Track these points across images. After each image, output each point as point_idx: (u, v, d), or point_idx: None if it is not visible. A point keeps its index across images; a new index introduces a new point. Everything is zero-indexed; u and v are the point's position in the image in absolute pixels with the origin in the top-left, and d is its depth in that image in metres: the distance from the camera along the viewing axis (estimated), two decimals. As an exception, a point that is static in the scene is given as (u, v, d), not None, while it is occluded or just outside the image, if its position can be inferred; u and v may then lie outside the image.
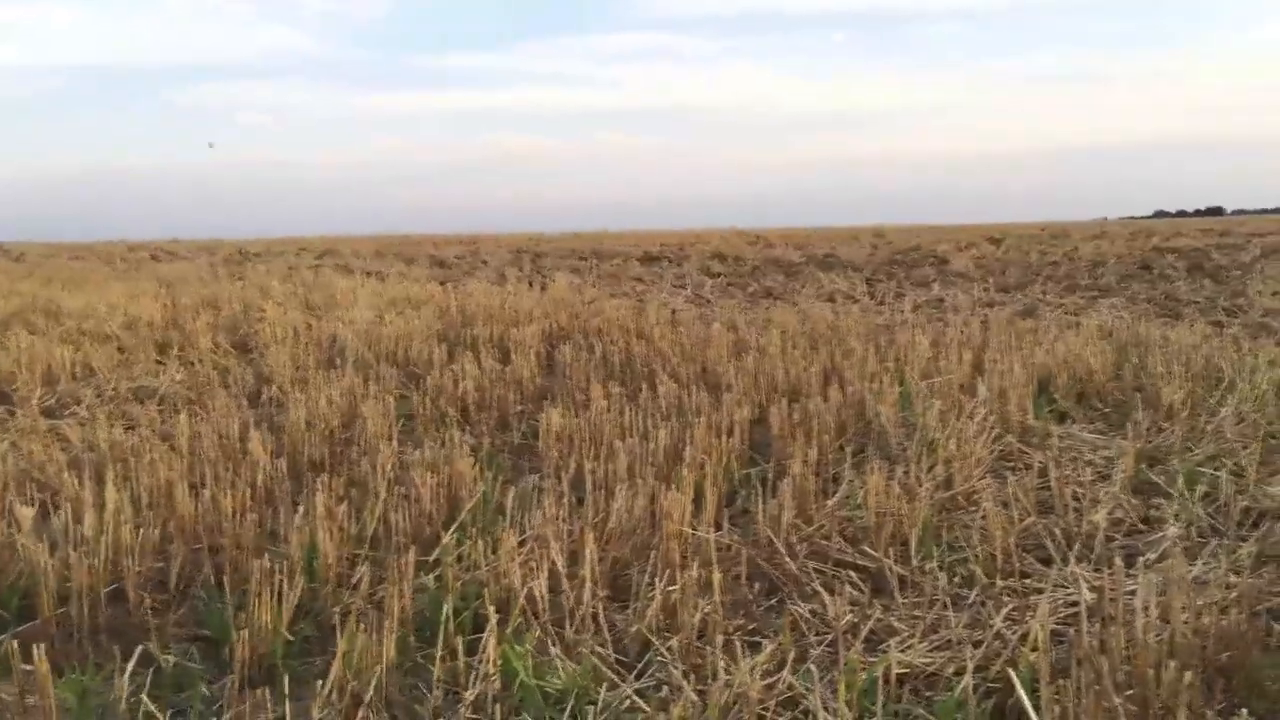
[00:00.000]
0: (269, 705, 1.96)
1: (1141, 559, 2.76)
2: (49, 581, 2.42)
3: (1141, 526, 3.08)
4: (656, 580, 2.49)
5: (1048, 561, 2.80)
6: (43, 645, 2.09)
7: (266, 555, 2.58)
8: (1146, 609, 2.15)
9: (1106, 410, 4.54)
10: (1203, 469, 3.46)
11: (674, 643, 2.29)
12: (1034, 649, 2.12)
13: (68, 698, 2.07)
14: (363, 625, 2.20)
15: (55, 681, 2.06)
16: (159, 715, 1.97)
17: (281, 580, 2.39)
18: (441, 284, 11.05)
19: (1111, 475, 3.43)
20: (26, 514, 2.73)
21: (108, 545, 2.61)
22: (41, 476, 3.41)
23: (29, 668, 2.09)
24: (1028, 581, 2.66)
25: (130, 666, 2.10)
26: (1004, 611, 2.40)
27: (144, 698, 2.01)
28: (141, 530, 2.73)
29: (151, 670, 2.22)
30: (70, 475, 3.18)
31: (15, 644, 2.18)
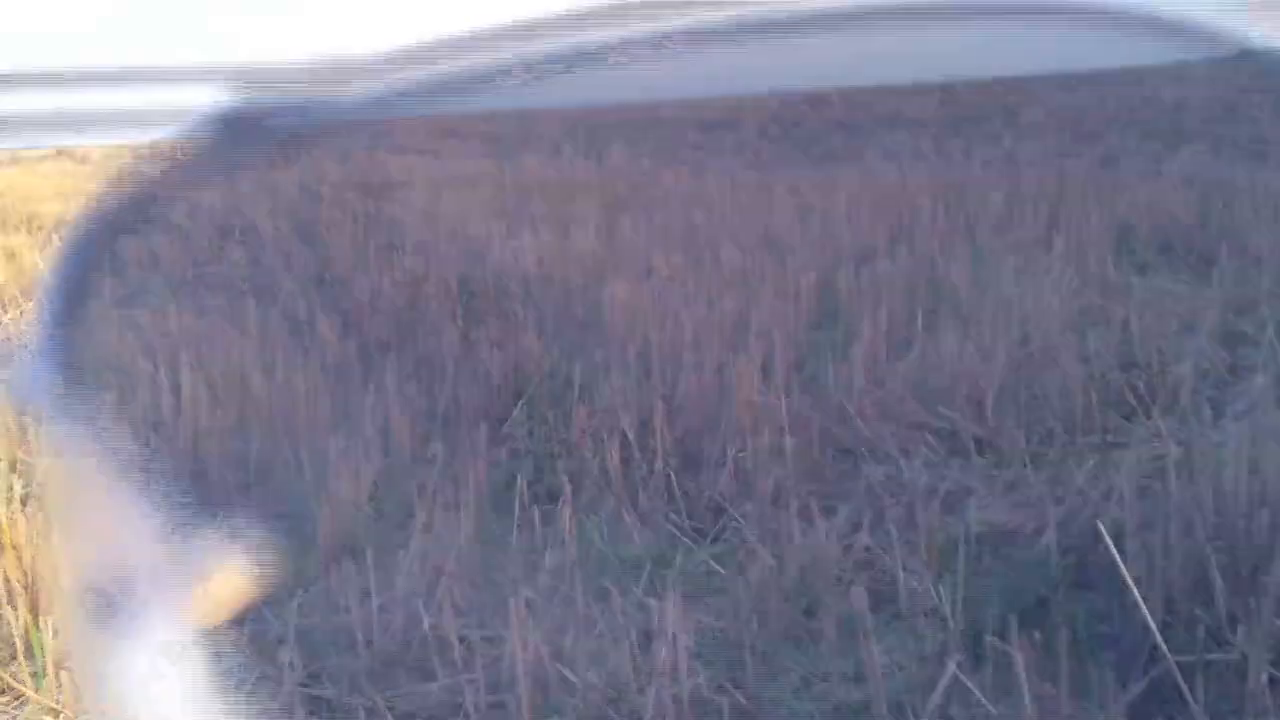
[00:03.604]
0: (354, 577, 2.01)
1: (1229, 409, 2.68)
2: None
3: (1228, 377, 2.99)
4: (728, 448, 2.48)
5: (1130, 416, 2.73)
6: (135, 525, 2.16)
7: (342, 433, 2.62)
8: (1237, 457, 2.09)
9: (1191, 260, 4.38)
10: (1293, 317, 3.34)
11: (748, 508, 2.29)
12: (1119, 503, 2.08)
13: (162, 575, 2.14)
14: (440, 498, 2.24)
15: (149, 559, 2.13)
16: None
17: (358, 457, 2.43)
18: (496, 160, 10.97)
19: (1197, 327, 3.31)
20: (107, 400, 2.80)
21: (187, 428, 2.66)
22: (118, 364, 3.49)
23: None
24: (1110, 437, 2.60)
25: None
26: (1085, 467, 2.35)
27: (234, 573, 2.08)
28: (219, 413, 2.78)
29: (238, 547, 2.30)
30: (144, 361, 3.24)
31: (108, 525, 2.26)
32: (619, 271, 4.80)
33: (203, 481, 2.62)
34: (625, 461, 2.51)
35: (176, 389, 2.87)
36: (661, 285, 3.99)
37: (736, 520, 2.29)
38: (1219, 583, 1.72)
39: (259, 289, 4.85)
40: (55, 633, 1.99)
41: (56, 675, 1.94)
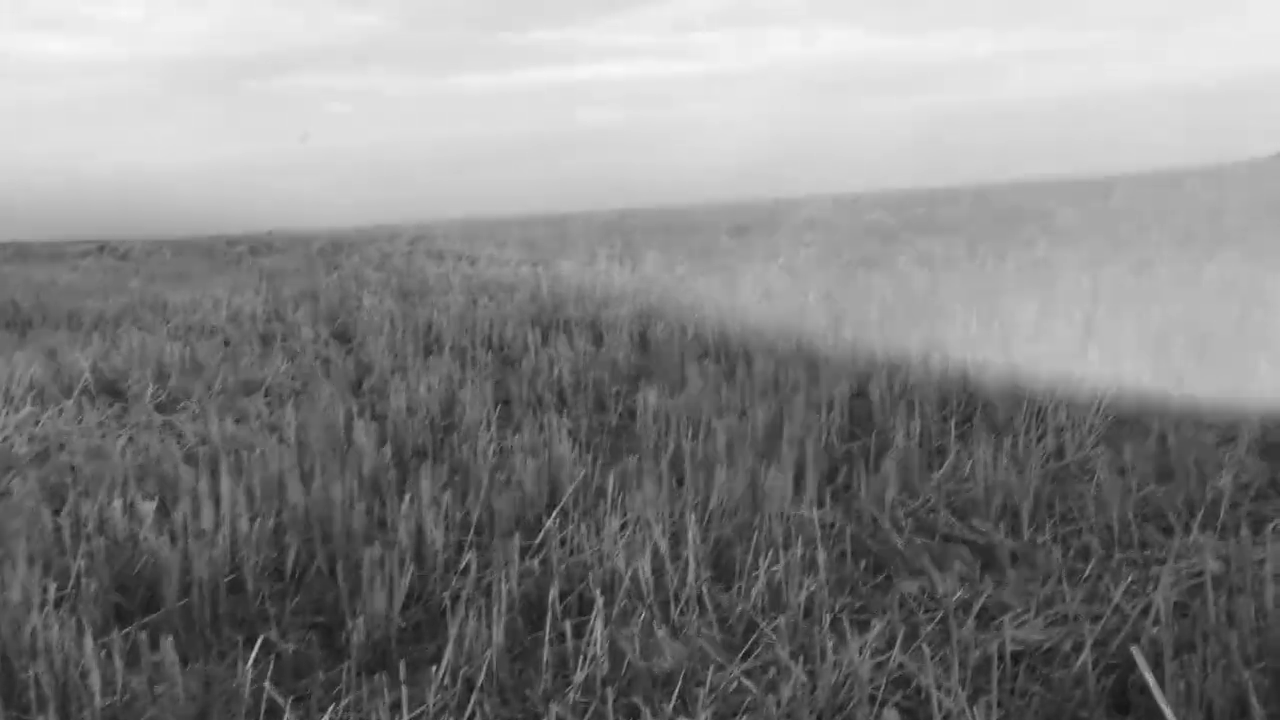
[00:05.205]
0: (385, 690, 2.01)
1: (1270, 525, 2.63)
2: (172, 573, 2.52)
3: (1270, 491, 2.94)
4: (760, 560, 2.47)
5: (1169, 531, 2.69)
6: (169, 636, 2.18)
7: (377, 543, 2.64)
8: (1277, 577, 2.05)
9: (1229, 370, 4.35)
10: (1334, 429, 3.29)
11: (780, 623, 2.27)
12: (1156, 623, 2.05)
13: (194, 686, 2.15)
14: (472, 611, 2.24)
15: (181, 670, 2.14)
16: (280, 701, 2.03)
17: (392, 568, 2.44)
18: (532, 265, 11.17)
19: (1236, 438, 3.28)
20: (148, 508, 2.84)
21: (225, 537, 2.70)
22: (159, 471, 3.54)
23: (156, 658, 2.17)
24: (1148, 552, 2.57)
25: (253, 655, 2.17)
26: (1123, 584, 2.32)
27: (266, 685, 2.08)
28: (256, 521, 2.82)
29: (272, 657, 2.30)
30: (186, 469, 3.29)
31: (144, 635, 2.27)
32: (652, 379, 4.81)
33: (239, 591, 2.63)
34: (657, 573, 2.52)
35: (216, 497, 2.89)
36: (694, 394, 4.00)
37: (768, 635, 2.27)
38: (1258, 708, 1.68)
39: (299, 395, 4.88)
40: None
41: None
